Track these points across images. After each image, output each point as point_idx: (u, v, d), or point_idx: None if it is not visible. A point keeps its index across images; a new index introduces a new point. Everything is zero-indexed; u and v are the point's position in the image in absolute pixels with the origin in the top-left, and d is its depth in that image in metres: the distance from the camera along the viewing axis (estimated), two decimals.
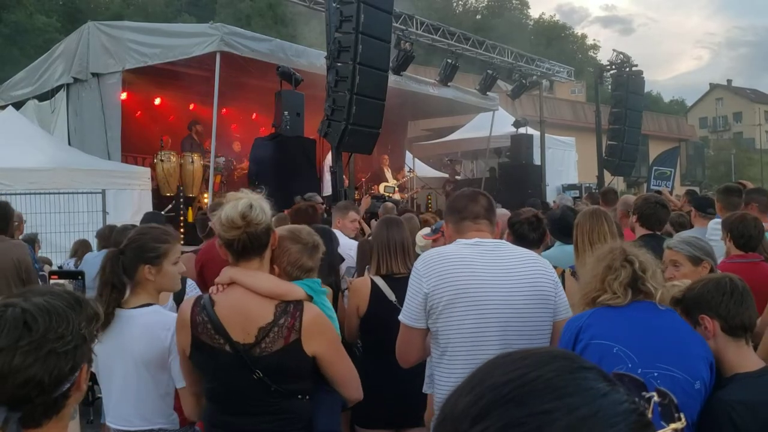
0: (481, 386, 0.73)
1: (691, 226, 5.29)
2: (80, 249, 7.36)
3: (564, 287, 3.54)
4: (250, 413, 2.33)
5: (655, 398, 0.76)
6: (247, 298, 2.30)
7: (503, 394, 0.70)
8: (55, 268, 7.53)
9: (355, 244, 4.77)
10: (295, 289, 2.36)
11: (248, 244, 2.29)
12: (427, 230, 4.57)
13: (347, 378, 2.44)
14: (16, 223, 6.47)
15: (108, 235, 6.12)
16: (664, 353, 2.12)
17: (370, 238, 4.26)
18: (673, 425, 0.75)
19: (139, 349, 2.67)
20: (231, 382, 2.33)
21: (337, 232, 4.88)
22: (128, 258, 2.72)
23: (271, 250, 2.41)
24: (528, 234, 3.83)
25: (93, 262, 5.70)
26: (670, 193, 12.17)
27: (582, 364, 0.74)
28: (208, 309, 2.31)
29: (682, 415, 0.77)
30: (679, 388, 2.08)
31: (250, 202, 2.28)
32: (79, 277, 1.90)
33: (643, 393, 0.76)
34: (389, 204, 8.37)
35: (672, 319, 2.27)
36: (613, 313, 2.26)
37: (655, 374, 2.08)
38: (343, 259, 4.28)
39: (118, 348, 2.68)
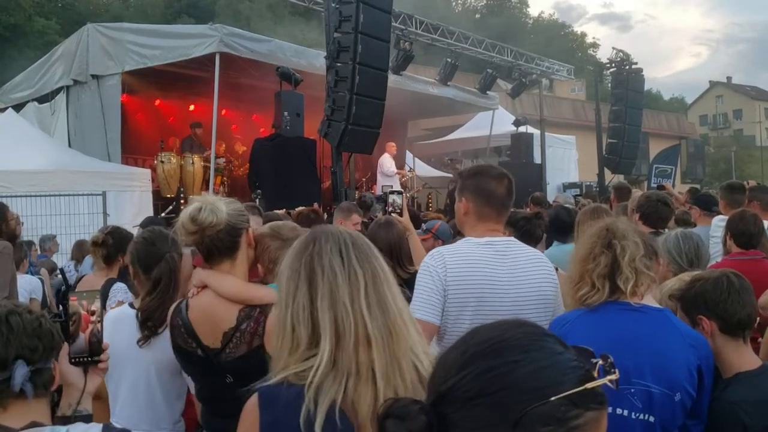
0: (465, 344, 0.96)
1: (695, 224, 5.29)
2: (79, 251, 7.31)
3: None
4: (231, 415, 2.31)
5: (600, 362, 0.96)
6: (215, 302, 2.26)
7: (483, 348, 0.94)
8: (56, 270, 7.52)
9: None
10: (263, 293, 2.30)
11: (212, 246, 2.25)
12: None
13: None
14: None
15: None
16: (640, 367, 2.05)
17: None
18: (609, 377, 0.94)
19: (153, 352, 2.66)
20: (209, 385, 2.33)
21: None
22: (175, 260, 2.74)
23: (249, 250, 2.37)
24: (535, 230, 3.83)
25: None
26: None
27: (544, 331, 1.00)
28: (182, 313, 2.30)
29: (616, 370, 0.96)
30: (657, 403, 2.04)
31: (200, 205, 2.24)
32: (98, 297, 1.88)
33: (592, 359, 0.96)
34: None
35: (649, 323, 2.15)
36: (592, 321, 2.19)
37: (632, 390, 2.03)
38: None
39: (131, 350, 2.67)
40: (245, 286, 2.32)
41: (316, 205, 7.85)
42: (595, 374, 0.94)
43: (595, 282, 2.19)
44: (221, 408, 2.32)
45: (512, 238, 2.67)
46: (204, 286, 2.32)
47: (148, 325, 2.65)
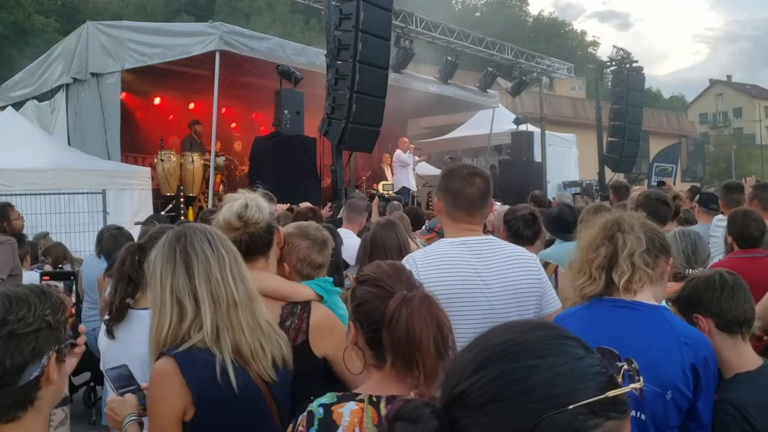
0: (481, 346, 0.91)
1: (696, 222, 5.30)
2: (59, 253, 7.15)
3: (557, 284, 3.49)
4: None
5: (625, 366, 0.92)
6: None
7: (498, 352, 0.88)
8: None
9: None
10: (302, 290, 2.32)
11: (251, 244, 2.26)
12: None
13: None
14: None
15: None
16: None
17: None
18: (633, 384, 0.90)
19: (147, 350, 2.65)
20: None
21: (351, 232, 4.85)
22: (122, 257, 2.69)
23: (278, 249, 2.38)
24: (523, 231, 3.81)
25: (91, 264, 5.66)
26: None
27: (564, 333, 0.93)
28: None
29: (641, 378, 0.93)
30: (647, 401, 1.99)
31: (246, 202, 2.25)
32: (71, 278, 1.95)
33: (617, 363, 0.92)
34: (395, 203, 8.30)
35: (641, 320, 2.11)
36: (585, 317, 2.17)
37: None
38: (347, 265, 4.25)
39: (125, 348, 2.66)
40: (287, 283, 2.34)
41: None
42: (620, 380, 0.88)
43: (593, 272, 2.17)
44: None
45: (491, 237, 2.63)
46: None
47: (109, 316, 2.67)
